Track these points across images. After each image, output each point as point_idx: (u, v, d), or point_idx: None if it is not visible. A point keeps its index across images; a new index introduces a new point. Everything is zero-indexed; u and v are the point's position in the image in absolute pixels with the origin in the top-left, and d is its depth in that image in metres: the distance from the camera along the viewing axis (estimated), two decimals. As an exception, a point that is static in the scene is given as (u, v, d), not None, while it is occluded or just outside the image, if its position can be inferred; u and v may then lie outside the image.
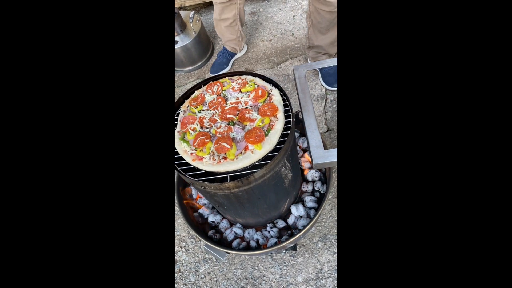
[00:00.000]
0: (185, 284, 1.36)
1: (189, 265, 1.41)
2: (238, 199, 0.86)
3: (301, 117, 0.90)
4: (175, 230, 1.51)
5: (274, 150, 0.78)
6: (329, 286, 1.24)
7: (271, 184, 0.85)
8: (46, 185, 0.46)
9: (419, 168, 0.45)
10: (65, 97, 0.47)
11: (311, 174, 1.21)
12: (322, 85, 1.82)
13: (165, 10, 0.53)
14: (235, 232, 1.13)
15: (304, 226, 1.04)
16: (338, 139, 0.57)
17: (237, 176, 0.76)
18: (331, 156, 0.75)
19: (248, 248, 1.10)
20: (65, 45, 0.48)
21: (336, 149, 0.76)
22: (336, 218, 1.40)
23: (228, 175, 0.77)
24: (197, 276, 1.38)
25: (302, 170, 1.25)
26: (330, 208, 1.43)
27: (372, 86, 0.46)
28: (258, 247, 1.09)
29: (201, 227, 1.21)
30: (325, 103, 1.79)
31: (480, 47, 0.43)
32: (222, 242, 1.14)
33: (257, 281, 1.31)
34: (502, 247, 0.42)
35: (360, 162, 0.46)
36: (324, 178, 1.22)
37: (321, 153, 0.76)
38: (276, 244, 1.03)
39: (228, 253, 1.08)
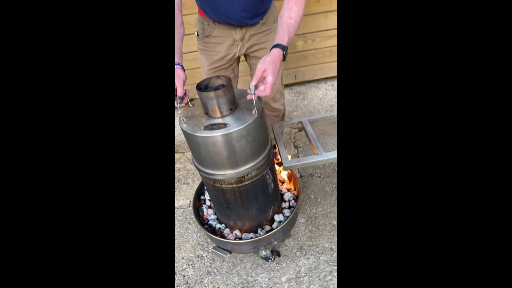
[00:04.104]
0: (192, 292, 1.68)
1: (195, 277, 1.75)
2: (241, 194, 1.40)
3: (277, 150, 1.53)
4: (184, 252, 1.89)
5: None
6: (306, 282, 1.62)
7: (261, 185, 1.41)
8: (44, 188, 0.45)
9: (414, 166, 0.45)
10: (63, 94, 0.46)
11: (287, 196, 1.76)
12: None
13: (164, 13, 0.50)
14: (235, 234, 1.59)
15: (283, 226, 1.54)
16: (338, 138, 0.72)
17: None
18: (294, 162, 1.36)
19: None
20: (67, 46, 0.47)
21: (296, 160, 1.37)
22: (309, 235, 1.87)
23: (235, 176, 1.34)
24: (202, 286, 1.71)
25: (282, 195, 1.80)
26: (304, 228, 1.91)
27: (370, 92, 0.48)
28: (252, 243, 1.54)
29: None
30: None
31: (474, 58, 0.42)
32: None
33: (251, 284, 1.67)
34: (502, 247, 0.41)
35: (357, 162, 0.48)
36: (296, 198, 1.77)
37: (288, 162, 1.37)
38: (266, 233, 1.50)
39: (230, 252, 1.52)
